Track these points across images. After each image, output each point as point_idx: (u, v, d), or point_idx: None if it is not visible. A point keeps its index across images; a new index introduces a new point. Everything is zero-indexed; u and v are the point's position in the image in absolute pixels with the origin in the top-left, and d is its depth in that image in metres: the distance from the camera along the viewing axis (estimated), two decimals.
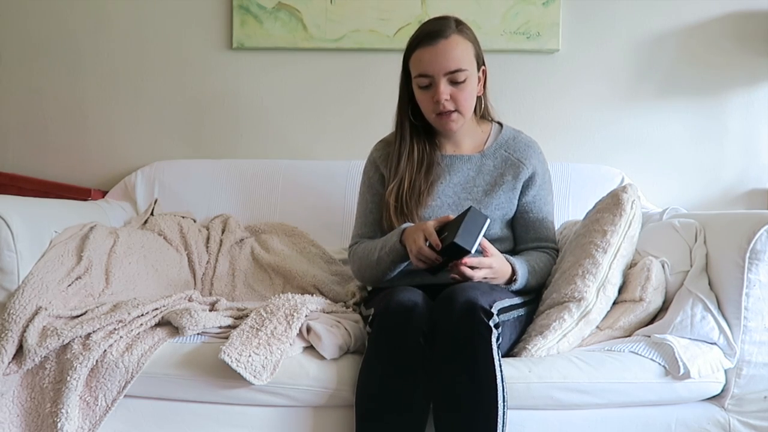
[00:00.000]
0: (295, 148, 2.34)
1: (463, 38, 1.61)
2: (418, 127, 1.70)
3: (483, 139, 1.73)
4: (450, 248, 1.43)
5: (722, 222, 1.61)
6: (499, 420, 1.33)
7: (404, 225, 1.60)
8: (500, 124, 1.76)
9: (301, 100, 2.35)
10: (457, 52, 1.59)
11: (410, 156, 1.67)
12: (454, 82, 1.59)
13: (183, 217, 2.09)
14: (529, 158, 1.70)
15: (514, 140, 1.72)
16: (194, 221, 2.12)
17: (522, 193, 1.69)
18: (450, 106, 1.60)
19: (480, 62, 1.66)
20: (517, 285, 1.56)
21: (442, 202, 1.67)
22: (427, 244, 1.48)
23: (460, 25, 1.62)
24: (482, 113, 1.74)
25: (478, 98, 1.69)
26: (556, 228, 1.92)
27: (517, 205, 1.70)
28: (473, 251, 1.43)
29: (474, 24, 2.21)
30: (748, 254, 1.47)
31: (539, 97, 2.31)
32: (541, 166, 1.72)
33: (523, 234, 1.71)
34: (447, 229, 1.48)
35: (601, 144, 2.31)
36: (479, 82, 1.67)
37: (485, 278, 1.49)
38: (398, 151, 1.68)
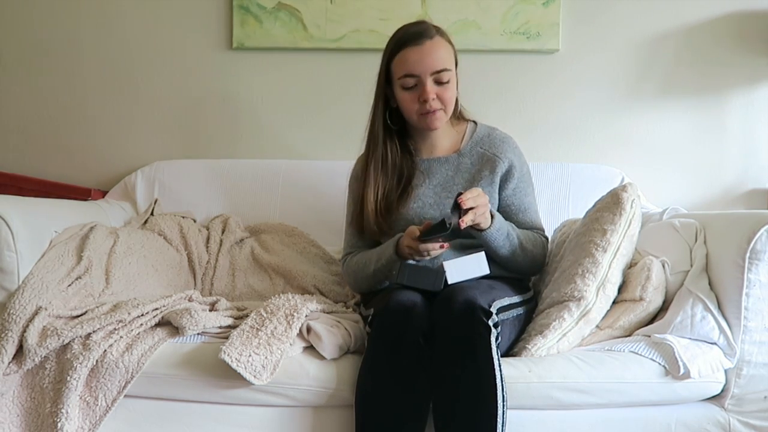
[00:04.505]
0: (295, 148, 2.34)
1: (444, 40, 1.65)
2: (393, 132, 1.71)
3: (459, 139, 1.75)
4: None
5: (722, 222, 1.61)
6: (499, 420, 1.33)
7: (397, 236, 1.60)
8: (475, 123, 1.78)
9: (301, 100, 2.35)
10: (442, 52, 1.62)
11: (384, 162, 1.69)
12: (438, 82, 1.62)
13: (183, 217, 2.09)
14: (505, 152, 1.71)
15: (488, 137, 1.74)
16: (194, 221, 2.12)
17: (501, 187, 1.70)
18: (437, 105, 1.63)
19: (456, 64, 1.68)
20: (496, 220, 1.56)
21: (423, 203, 1.68)
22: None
23: (439, 29, 1.66)
24: (458, 114, 1.76)
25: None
26: (554, 226, 1.92)
27: (499, 200, 1.70)
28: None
29: (474, 24, 2.22)
30: (748, 254, 1.47)
31: (539, 97, 2.31)
32: (517, 159, 1.73)
33: None
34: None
35: (601, 144, 2.31)
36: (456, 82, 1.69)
37: (477, 207, 1.48)
38: (372, 158, 1.70)
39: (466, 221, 1.46)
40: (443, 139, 1.74)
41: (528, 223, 1.72)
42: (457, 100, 1.72)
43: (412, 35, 1.63)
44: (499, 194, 1.70)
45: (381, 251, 1.63)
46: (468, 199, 1.47)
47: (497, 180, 1.69)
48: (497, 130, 1.77)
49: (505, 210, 1.71)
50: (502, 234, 1.58)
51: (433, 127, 1.67)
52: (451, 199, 1.66)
